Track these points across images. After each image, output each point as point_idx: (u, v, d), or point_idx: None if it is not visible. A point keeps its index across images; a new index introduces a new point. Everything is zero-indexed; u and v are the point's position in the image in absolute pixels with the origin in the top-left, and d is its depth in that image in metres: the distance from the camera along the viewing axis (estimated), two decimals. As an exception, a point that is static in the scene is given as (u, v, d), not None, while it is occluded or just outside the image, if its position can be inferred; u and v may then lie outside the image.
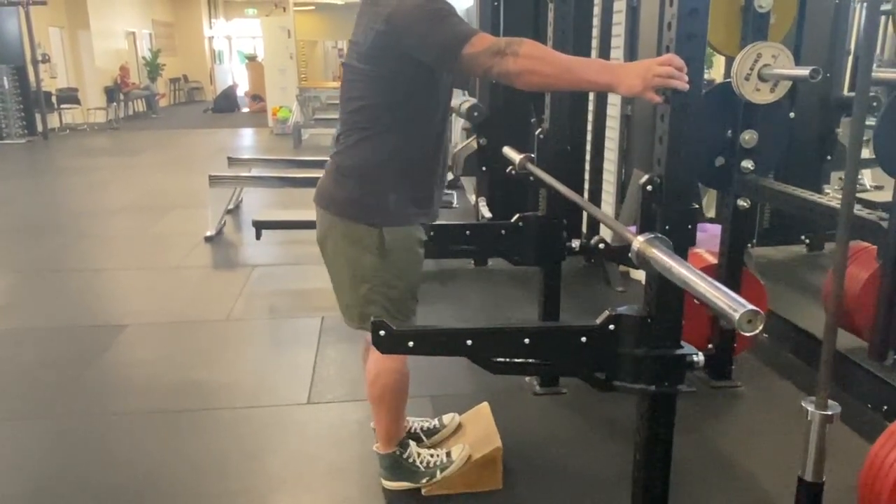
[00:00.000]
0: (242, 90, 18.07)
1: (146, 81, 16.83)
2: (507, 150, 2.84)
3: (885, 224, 1.85)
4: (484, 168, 4.26)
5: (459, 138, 5.83)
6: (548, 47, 1.73)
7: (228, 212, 5.63)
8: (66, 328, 3.54)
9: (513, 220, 2.61)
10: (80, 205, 6.67)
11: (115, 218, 5.99)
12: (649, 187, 1.54)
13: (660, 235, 1.49)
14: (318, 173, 2.04)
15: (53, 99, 12.57)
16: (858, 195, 2.02)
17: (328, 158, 2.00)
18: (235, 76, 19.65)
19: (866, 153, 3.09)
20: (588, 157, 4.22)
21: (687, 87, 1.45)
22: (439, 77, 1.84)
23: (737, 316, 1.12)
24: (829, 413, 1.51)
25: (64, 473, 2.29)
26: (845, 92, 4.32)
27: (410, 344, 1.64)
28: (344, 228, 1.90)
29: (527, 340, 1.64)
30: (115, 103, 14.38)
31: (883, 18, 3.38)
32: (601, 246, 1.69)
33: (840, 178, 4.85)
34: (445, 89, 1.91)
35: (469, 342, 1.64)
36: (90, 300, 4.04)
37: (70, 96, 13.19)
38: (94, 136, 12.16)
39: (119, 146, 10.96)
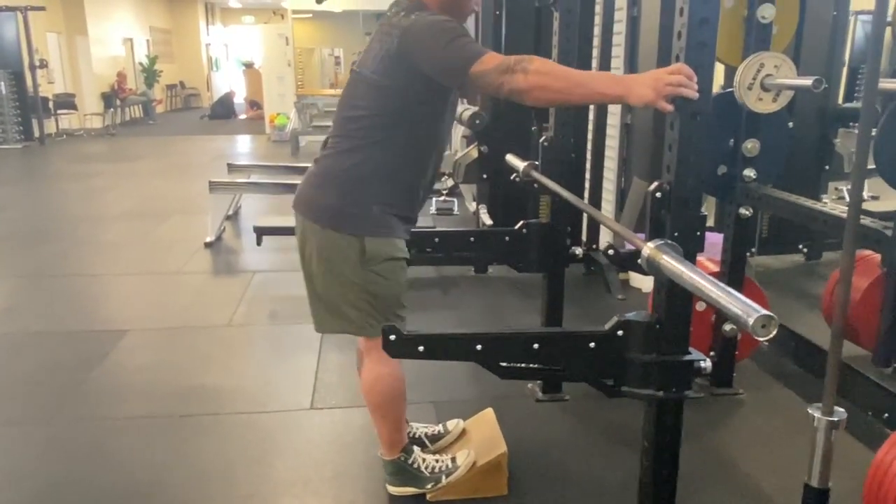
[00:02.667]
0: (240, 97, 18.09)
1: (143, 87, 16.83)
2: (511, 158, 2.86)
3: (889, 233, 1.87)
4: (485, 175, 4.28)
5: (460, 146, 5.85)
6: (556, 63, 1.75)
7: (227, 218, 5.64)
8: (67, 333, 3.53)
9: (517, 227, 2.63)
10: (78, 210, 6.66)
11: (114, 224, 5.99)
12: (658, 194, 1.56)
13: (670, 242, 1.51)
14: (301, 180, 2.03)
15: (50, 104, 12.57)
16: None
17: (312, 163, 1.99)
18: (232, 83, 19.66)
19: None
20: (589, 164, 4.25)
21: (697, 95, 1.47)
22: (446, 95, 1.86)
23: (751, 321, 1.13)
24: (836, 419, 1.52)
25: (67, 479, 2.28)
26: (841, 102, 4.36)
27: (421, 348, 1.65)
28: (325, 236, 1.89)
29: (536, 346, 1.65)
30: (111, 109, 14.38)
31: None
32: (610, 252, 1.71)
33: (837, 188, 4.90)
34: (450, 108, 1.94)
35: (479, 347, 1.65)
36: (90, 305, 4.04)
37: (67, 102, 13.19)
38: (91, 142, 12.16)
39: (116, 152, 10.95)
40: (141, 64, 17.18)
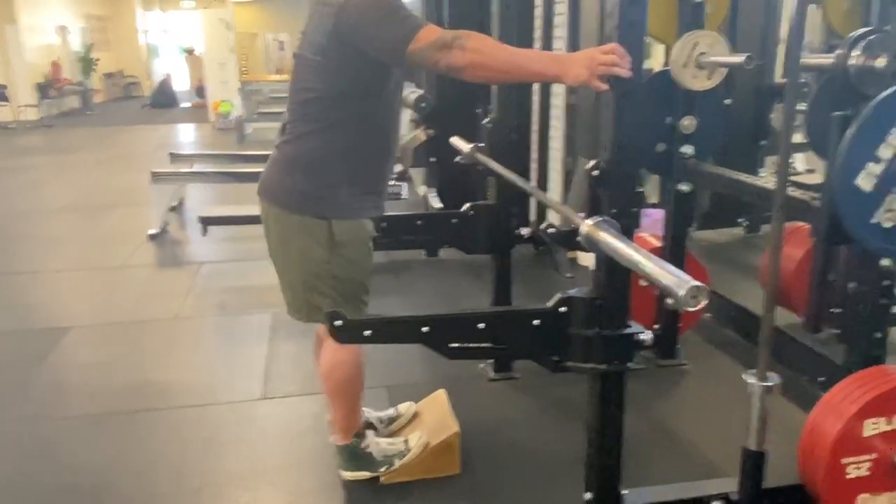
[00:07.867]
0: (182, 85, 17.57)
1: (80, 77, 16.24)
2: (456, 140, 2.86)
3: (817, 203, 1.95)
4: (433, 159, 4.28)
5: (408, 130, 5.82)
6: (495, 41, 1.76)
7: (172, 209, 5.50)
8: (5, 333, 3.42)
9: (463, 210, 2.65)
10: (15, 205, 6.41)
11: (53, 218, 5.79)
12: (595, 172, 1.58)
13: (607, 218, 1.54)
14: (264, 167, 2.01)
15: (-20, 96, 12.05)
16: (791, 178, 2.11)
17: (273, 149, 1.97)
18: (173, 70, 19.07)
19: (799, 138, 3.22)
20: (535, 146, 4.27)
21: (630, 74, 1.49)
22: (390, 70, 1.85)
23: (682, 292, 1.17)
24: (770, 384, 1.59)
25: (13, 478, 2.23)
26: (777, 79, 4.49)
27: (367, 333, 1.65)
28: (291, 222, 1.88)
29: (481, 325, 1.67)
30: (47, 100, 13.84)
31: (813, 7, 3.54)
32: (550, 231, 1.73)
33: (774, 163, 5.04)
34: (397, 82, 1.92)
35: (425, 329, 1.65)
36: (29, 304, 3.91)
37: (-2, 93, 12.66)
38: (26, 135, 11.70)
39: (53, 144, 10.57)
40: (77, 53, 16.55)
